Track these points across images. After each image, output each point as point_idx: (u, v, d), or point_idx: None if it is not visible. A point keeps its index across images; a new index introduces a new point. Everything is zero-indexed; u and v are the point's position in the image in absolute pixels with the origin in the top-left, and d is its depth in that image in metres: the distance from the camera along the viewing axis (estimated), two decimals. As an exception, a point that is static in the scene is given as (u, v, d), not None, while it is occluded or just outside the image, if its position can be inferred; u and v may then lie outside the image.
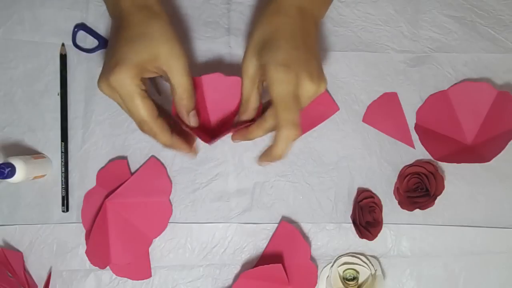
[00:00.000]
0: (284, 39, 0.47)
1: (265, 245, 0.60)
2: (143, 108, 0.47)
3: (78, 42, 0.62)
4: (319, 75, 0.47)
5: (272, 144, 0.48)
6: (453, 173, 0.60)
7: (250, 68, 0.49)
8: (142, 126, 0.49)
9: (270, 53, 0.47)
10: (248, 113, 0.52)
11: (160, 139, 0.50)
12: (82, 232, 0.60)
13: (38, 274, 0.60)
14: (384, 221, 0.59)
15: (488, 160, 0.57)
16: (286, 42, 0.47)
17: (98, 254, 0.59)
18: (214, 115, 0.56)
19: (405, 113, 0.61)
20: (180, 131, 0.52)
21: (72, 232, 0.60)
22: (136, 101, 0.47)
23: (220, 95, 0.55)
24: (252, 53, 0.49)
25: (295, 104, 0.46)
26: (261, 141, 0.60)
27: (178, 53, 0.49)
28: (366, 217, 0.58)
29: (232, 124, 0.55)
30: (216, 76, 0.55)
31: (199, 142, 0.57)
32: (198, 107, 0.54)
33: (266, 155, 0.50)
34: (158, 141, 0.50)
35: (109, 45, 0.51)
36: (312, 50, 0.49)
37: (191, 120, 0.52)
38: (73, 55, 0.62)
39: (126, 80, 0.46)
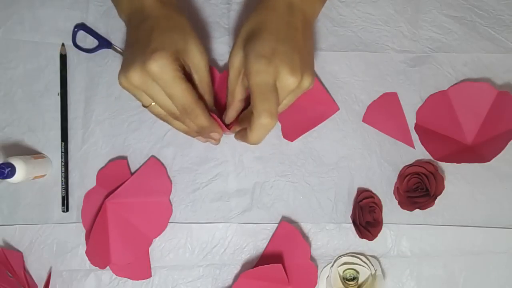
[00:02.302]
0: (267, 31, 0.48)
1: (265, 245, 0.60)
2: (188, 91, 0.48)
3: (78, 42, 0.62)
4: (302, 69, 0.47)
5: (248, 130, 0.48)
6: (453, 173, 0.60)
7: (235, 60, 0.50)
8: (185, 109, 0.49)
9: (253, 44, 0.47)
10: (234, 105, 0.53)
11: (200, 120, 0.50)
12: (82, 232, 0.60)
13: (38, 274, 0.60)
14: (384, 221, 0.59)
15: (488, 160, 0.57)
16: (269, 34, 0.47)
17: (98, 254, 0.59)
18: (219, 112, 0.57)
19: (405, 113, 0.61)
20: None
21: (72, 232, 0.60)
22: (180, 85, 0.47)
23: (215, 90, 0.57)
24: (238, 45, 0.50)
25: (272, 94, 0.46)
26: (262, 141, 0.60)
27: (203, 50, 0.50)
28: (366, 217, 0.58)
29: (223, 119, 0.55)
30: (212, 71, 0.57)
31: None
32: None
33: (241, 136, 0.52)
34: (198, 123, 0.50)
35: (132, 40, 0.51)
36: (297, 44, 0.49)
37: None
38: (73, 55, 0.62)
39: (168, 65, 0.46)
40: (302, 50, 0.49)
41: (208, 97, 0.53)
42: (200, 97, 0.51)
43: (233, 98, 0.53)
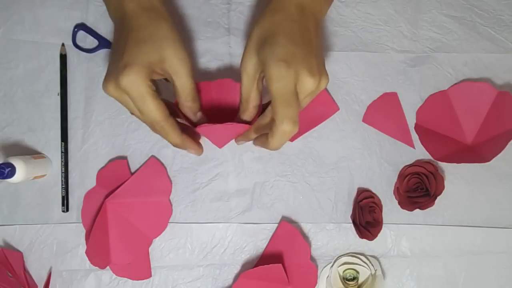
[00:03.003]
0: (282, 35, 0.47)
1: (265, 245, 0.60)
2: (156, 109, 0.47)
3: (78, 42, 0.62)
4: (319, 71, 0.47)
5: (269, 136, 0.48)
6: (453, 173, 0.60)
7: (249, 66, 0.49)
8: (154, 126, 0.49)
9: (269, 49, 0.46)
10: (249, 111, 0.52)
11: (171, 138, 0.50)
12: (82, 232, 0.60)
13: (38, 274, 0.60)
14: (384, 221, 0.59)
15: (488, 160, 0.57)
16: (285, 38, 0.47)
17: (98, 254, 0.59)
18: (224, 120, 0.55)
19: (405, 113, 0.61)
20: (184, 128, 0.52)
21: (72, 232, 0.60)
22: (148, 102, 0.47)
23: (229, 100, 0.56)
24: (251, 50, 0.49)
25: (294, 100, 0.46)
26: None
27: (183, 56, 0.49)
28: (366, 217, 0.58)
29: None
30: (226, 82, 0.56)
31: (204, 139, 0.57)
32: (208, 111, 0.54)
33: (262, 142, 0.51)
34: (169, 141, 0.50)
35: (114, 48, 0.51)
36: (312, 45, 0.49)
37: (200, 121, 0.52)
38: (73, 55, 0.62)
39: (137, 81, 0.46)
40: (317, 52, 0.49)
41: (191, 104, 0.51)
42: (173, 112, 0.50)
43: (247, 104, 0.51)
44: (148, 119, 0.48)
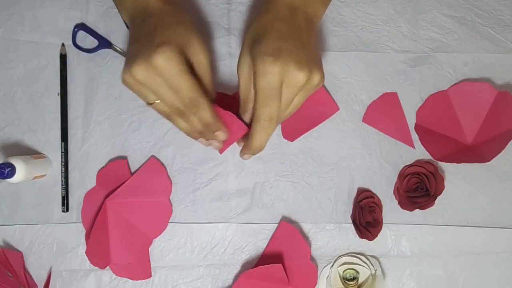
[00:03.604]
0: (271, 32, 0.47)
1: (265, 245, 0.60)
2: (194, 83, 0.47)
3: (78, 42, 0.62)
4: (309, 64, 0.46)
5: (249, 137, 0.48)
6: (453, 173, 0.60)
7: (244, 67, 0.49)
8: (192, 101, 0.47)
9: (257, 45, 0.47)
10: (249, 113, 0.52)
11: (207, 114, 0.48)
12: (82, 232, 0.60)
13: (38, 274, 0.60)
14: (384, 221, 0.59)
15: (488, 160, 0.57)
16: (273, 34, 0.47)
17: (98, 254, 0.59)
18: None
19: (405, 113, 0.61)
20: None
21: (72, 232, 0.60)
22: (187, 77, 0.46)
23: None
24: (245, 52, 0.49)
25: (275, 96, 0.46)
26: (264, 147, 0.60)
27: (206, 48, 0.50)
28: (366, 217, 0.58)
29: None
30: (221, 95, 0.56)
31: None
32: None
33: (246, 148, 0.51)
34: (205, 117, 0.49)
35: (137, 36, 0.50)
36: (302, 41, 0.48)
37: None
38: (73, 55, 0.62)
39: (175, 58, 0.45)
40: (308, 46, 0.48)
41: (210, 95, 0.52)
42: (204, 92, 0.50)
43: (247, 106, 0.51)
44: (187, 95, 0.47)
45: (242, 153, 0.53)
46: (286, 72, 0.45)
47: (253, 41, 0.48)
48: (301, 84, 0.46)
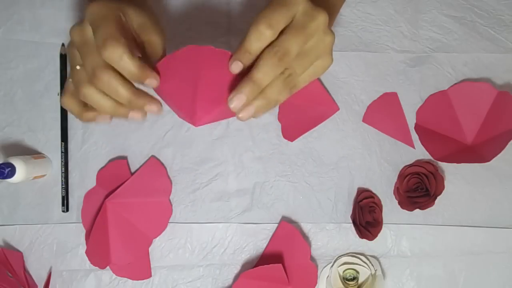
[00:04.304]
0: None
1: (265, 245, 0.60)
2: (116, 29, 0.41)
3: (78, 42, 0.62)
4: (318, 5, 0.43)
5: (253, 68, 0.42)
6: (453, 173, 0.60)
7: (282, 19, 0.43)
8: (111, 51, 0.40)
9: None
10: (239, 66, 0.43)
11: (128, 65, 0.41)
12: (82, 232, 0.60)
13: (38, 274, 0.60)
14: (384, 221, 0.59)
15: (488, 160, 0.57)
16: None
17: (98, 254, 0.59)
18: (203, 92, 0.45)
19: (405, 113, 0.61)
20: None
21: (72, 232, 0.60)
22: (109, 21, 0.41)
23: (212, 70, 0.44)
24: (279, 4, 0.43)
25: (281, 9, 0.41)
26: (262, 140, 0.60)
27: (142, 12, 0.46)
28: (366, 217, 0.58)
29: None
30: (207, 50, 0.43)
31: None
32: (184, 82, 0.45)
33: (247, 80, 0.42)
34: (126, 68, 0.41)
35: None
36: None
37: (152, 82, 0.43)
38: (73, 55, 0.62)
39: (107, 4, 0.42)
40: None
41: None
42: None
43: (241, 57, 0.43)
44: (100, 38, 0.41)
45: (232, 60, 0.43)
46: (325, 23, 0.42)
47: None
48: (308, 11, 0.42)
